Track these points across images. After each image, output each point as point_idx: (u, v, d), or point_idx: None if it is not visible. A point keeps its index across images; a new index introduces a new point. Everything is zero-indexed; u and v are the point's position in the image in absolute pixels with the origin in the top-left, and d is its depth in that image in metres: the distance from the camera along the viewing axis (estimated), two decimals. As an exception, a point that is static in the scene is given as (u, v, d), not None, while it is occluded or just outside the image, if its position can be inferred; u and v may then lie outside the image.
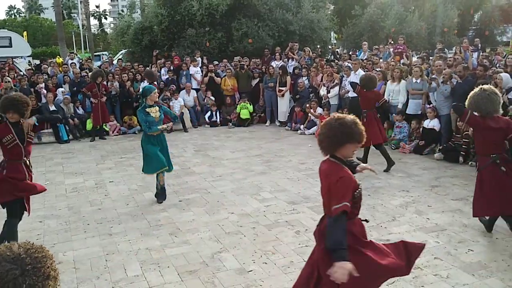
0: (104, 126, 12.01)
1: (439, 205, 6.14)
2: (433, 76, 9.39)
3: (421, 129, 9.42)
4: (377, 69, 11.14)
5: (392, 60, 11.87)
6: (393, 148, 9.52)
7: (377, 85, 8.33)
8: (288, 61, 13.99)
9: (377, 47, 14.27)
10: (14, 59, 16.73)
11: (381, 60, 12.25)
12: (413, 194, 6.62)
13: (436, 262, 4.49)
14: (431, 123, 9.18)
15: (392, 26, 17.28)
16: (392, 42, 14.24)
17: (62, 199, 6.96)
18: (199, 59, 14.28)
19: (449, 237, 5.09)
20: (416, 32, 17.42)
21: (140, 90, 6.91)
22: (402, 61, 11.82)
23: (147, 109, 6.37)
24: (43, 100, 11.87)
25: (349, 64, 11.23)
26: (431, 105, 9.36)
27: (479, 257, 4.59)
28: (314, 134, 11.26)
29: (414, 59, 12.18)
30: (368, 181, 7.28)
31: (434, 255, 4.64)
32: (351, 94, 9.92)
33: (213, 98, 13.34)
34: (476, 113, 4.77)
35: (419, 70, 9.67)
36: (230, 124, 13.01)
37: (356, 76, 9.74)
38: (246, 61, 14.00)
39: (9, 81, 11.89)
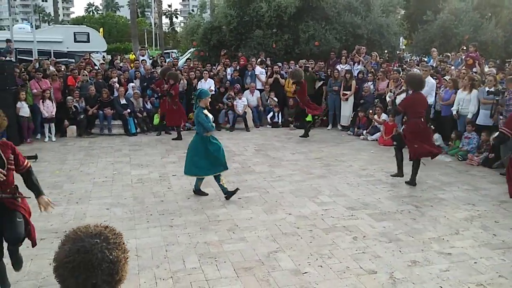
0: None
1: (508, 222, 5.85)
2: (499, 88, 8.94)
3: (491, 141, 8.99)
4: (447, 78, 10.76)
5: (464, 68, 11.41)
6: (460, 159, 9.17)
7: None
8: (354, 64, 13.81)
9: (448, 54, 13.76)
10: (91, 54, 17.65)
11: (452, 68, 11.80)
12: (480, 208, 6.35)
13: (501, 281, 4.29)
14: (503, 136, 8.73)
15: (466, 33, 16.56)
16: (465, 48, 13.69)
17: (128, 189, 7.29)
18: (263, 59, 14.44)
19: (517, 256, 4.84)
20: (492, 40, 16.60)
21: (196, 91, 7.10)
22: (474, 69, 11.33)
23: (204, 111, 6.58)
24: (115, 94, 12.47)
25: (418, 71, 10.91)
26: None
27: (549, 279, 4.34)
28: (377, 140, 11.06)
29: (487, 68, 11.61)
30: (431, 192, 7.06)
31: (499, 273, 4.44)
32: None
33: (276, 99, 13.43)
34: None
35: (493, 79, 9.23)
36: (292, 125, 13.04)
37: (425, 83, 9.42)
38: (311, 63, 13.98)
39: (86, 75, 12.61)
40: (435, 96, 10.20)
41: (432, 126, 10.09)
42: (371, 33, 15.68)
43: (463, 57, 12.53)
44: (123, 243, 1.51)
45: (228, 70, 14.18)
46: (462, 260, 4.71)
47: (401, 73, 11.82)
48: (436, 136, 10.24)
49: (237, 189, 6.76)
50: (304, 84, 11.46)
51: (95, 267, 1.40)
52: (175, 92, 11.30)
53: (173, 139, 11.38)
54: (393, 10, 17.26)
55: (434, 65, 12.75)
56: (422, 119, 7.43)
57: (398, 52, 18.38)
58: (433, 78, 10.43)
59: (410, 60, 15.80)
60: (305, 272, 4.46)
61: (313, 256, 4.82)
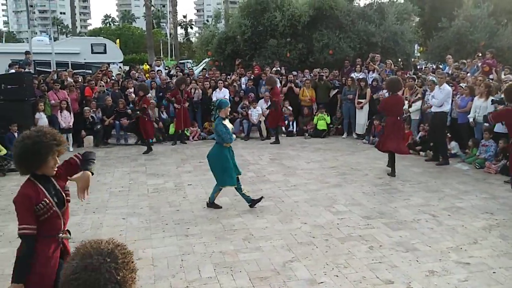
0: (185, 131, 12.51)
1: (527, 231, 5.75)
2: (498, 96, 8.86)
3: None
4: (463, 85, 10.67)
5: (480, 75, 11.29)
6: (477, 167, 9.05)
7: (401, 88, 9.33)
8: (368, 73, 13.77)
9: (463, 61, 13.64)
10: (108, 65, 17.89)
11: (468, 75, 11.70)
12: (498, 217, 6.25)
13: (521, 292, 4.22)
14: (522, 143, 8.60)
15: (481, 39, 16.40)
16: (480, 55, 13.55)
17: (144, 199, 7.35)
18: (278, 69, 14.50)
19: (537, 266, 4.75)
20: (508, 46, 16.40)
21: (215, 101, 7.18)
22: (490, 76, 11.21)
23: (223, 122, 6.55)
24: (131, 105, 12.60)
25: (434, 78, 10.84)
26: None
27: None
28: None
29: (503, 75, 11.47)
30: (449, 201, 6.98)
31: (519, 283, 4.36)
32: (434, 109, 9.57)
33: (290, 108, 13.44)
34: None
35: (510, 86, 9.11)
36: (306, 134, 13.02)
37: (441, 90, 9.37)
38: (325, 72, 13.98)
39: (102, 86, 12.79)
40: (452, 104, 10.10)
41: (448, 134, 10.01)
42: (386, 41, 15.65)
43: (479, 64, 12.42)
44: (132, 262, 1.49)
45: (243, 79, 14.25)
46: (480, 270, 4.64)
47: (416, 80, 11.76)
48: (453, 144, 10.14)
49: (254, 202, 6.78)
50: (276, 90, 12.07)
51: (101, 286, 1.37)
52: (147, 104, 11.01)
53: (144, 153, 10.93)
54: (408, 18, 17.19)
55: (449, 72, 12.65)
56: (399, 118, 8.74)
57: (413, 59, 18.27)
58: (449, 85, 10.34)
59: (425, 67, 15.69)
60: (321, 282, 4.43)
61: (329, 265, 4.79)
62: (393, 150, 8.55)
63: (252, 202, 6.73)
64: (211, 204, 6.80)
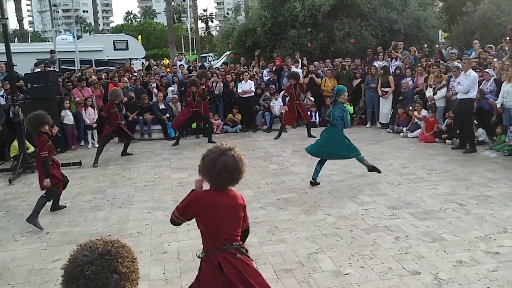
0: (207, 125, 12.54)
1: (559, 219, 5.58)
2: None
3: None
4: (488, 70, 10.40)
5: (508, 59, 10.97)
6: (506, 154, 8.83)
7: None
8: (391, 61, 13.56)
9: (490, 45, 13.28)
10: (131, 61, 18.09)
11: (495, 60, 11.39)
12: (529, 205, 6.09)
13: (553, 281, 4.10)
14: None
15: (508, 23, 15.95)
16: (508, 39, 13.16)
17: (168, 193, 7.41)
18: (299, 60, 14.39)
19: None
20: (538, 28, 15.92)
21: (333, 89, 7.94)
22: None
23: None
24: (154, 99, 12.72)
25: (458, 64, 10.59)
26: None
27: None
28: (417, 137, 10.80)
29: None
30: (477, 189, 6.84)
31: (551, 273, 4.25)
32: (460, 96, 9.36)
33: (312, 99, 13.34)
34: None
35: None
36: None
37: (467, 76, 9.15)
38: (347, 61, 13.82)
39: (126, 82, 12.93)
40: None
41: (475, 121, 9.79)
42: (409, 28, 15.37)
43: (507, 48, 12.09)
44: (118, 262, 1.49)
45: (264, 71, 14.21)
46: (510, 260, 4.53)
47: (440, 67, 11.52)
48: (480, 131, 9.92)
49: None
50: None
51: None
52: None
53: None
54: (431, 3, 16.86)
55: (476, 57, 12.33)
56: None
57: (437, 46, 17.90)
58: (475, 71, 10.09)
59: (451, 54, 15.35)
60: (347, 273, 4.40)
61: (354, 257, 4.75)
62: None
63: (373, 168, 7.64)
64: (373, 168, 7.66)
